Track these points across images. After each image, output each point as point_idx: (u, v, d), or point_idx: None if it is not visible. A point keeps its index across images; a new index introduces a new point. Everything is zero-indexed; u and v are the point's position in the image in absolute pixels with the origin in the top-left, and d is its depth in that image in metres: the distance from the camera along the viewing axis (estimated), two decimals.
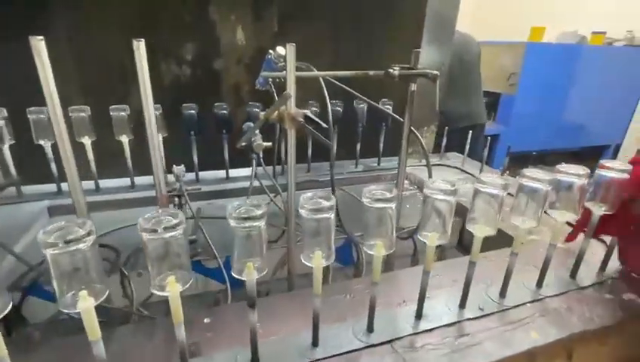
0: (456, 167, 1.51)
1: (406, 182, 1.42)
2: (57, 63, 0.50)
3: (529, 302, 0.70)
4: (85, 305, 0.41)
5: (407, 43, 1.56)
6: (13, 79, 0.99)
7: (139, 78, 0.52)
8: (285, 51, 1.01)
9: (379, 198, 0.56)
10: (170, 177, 1.05)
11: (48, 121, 1.00)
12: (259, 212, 0.50)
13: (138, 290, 0.81)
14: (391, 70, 0.66)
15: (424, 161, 1.57)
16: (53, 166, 1.05)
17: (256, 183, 1.04)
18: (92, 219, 0.49)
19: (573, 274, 0.75)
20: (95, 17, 1.27)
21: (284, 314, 0.66)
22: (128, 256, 0.90)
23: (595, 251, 0.85)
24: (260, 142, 0.94)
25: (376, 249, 0.56)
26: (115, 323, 0.73)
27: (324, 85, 0.82)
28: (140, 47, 0.50)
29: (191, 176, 1.22)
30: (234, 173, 1.28)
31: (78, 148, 1.08)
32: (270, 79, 1.04)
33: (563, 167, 0.64)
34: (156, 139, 0.57)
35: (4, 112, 0.99)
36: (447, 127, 1.45)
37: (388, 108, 1.35)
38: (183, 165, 1.11)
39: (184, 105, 1.17)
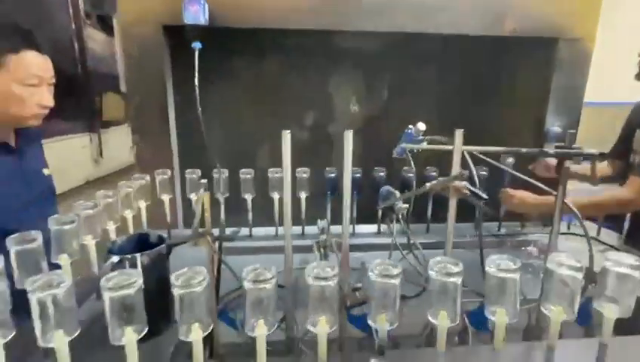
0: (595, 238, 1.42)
1: (534, 249, 1.38)
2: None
3: None
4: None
5: (527, 114, 1.60)
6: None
7: (283, 161, 0.68)
8: (425, 127, 1.16)
9: (503, 268, 0.61)
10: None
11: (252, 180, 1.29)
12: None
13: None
14: (546, 149, 0.73)
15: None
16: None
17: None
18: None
19: None
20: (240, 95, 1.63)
21: None
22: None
23: None
24: (401, 205, 1.06)
25: (498, 316, 0.60)
26: (278, 354, 0.86)
27: (469, 159, 0.91)
28: (286, 137, 0.67)
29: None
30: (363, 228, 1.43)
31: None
32: (408, 150, 1.19)
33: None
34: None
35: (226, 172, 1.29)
36: None
37: (433, 176, 1.37)
38: (326, 219, 1.29)
39: (327, 168, 1.38)
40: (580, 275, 0.60)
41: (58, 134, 2.14)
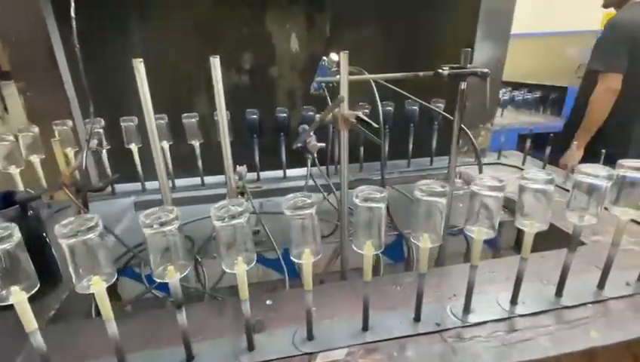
0: (515, 166, 1.47)
1: (458, 180, 1.41)
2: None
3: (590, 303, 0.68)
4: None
5: (460, 40, 1.54)
6: (107, 93, 1.18)
7: (214, 89, 0.60)
8: (338, 57, 1.07)
9: (432, 192, 0.58)
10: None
11: (137, 128, 1.19)
12: (309, 201, 0.56)
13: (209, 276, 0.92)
14: (440, 70, 0.68)
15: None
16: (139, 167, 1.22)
17: (310, 182, 1.11)
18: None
19: None
20: (165, 33, 1.44)
21: (337, 300, 0.72)
22: (201, 245, 1.01)
23: None
24: (314, 143, 1.01)
25: (423, 241, 0.58)
26: (190, 301, 0.84)
27: (375, 88, 0.86)
28: (215, 63, 0.59)
29: (252, 175, 1.33)
30: (291, 172, 1.37)
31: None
32: (324, 84, 1.11)
33: (627, 162, 0.61)
34: (227, 140, 0.66)
35: (102, 122, 1.17)
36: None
37: (439, 108, 1.35)
38: (245, 165, 1.22)
39: (247, 110, 1.28)
40: (500, 195, 0.59)
41: None
